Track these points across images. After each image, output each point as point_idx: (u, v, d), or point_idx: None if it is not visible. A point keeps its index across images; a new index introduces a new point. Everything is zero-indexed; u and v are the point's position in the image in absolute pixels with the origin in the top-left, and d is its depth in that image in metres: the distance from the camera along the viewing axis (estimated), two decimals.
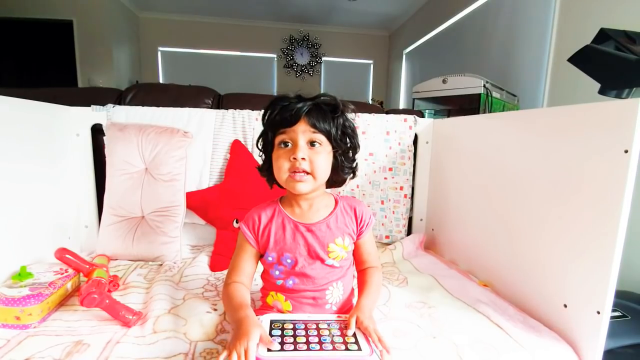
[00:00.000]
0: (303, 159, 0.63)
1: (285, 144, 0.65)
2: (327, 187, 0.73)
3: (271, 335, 0.58)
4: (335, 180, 0.72)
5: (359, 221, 0.73)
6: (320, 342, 0.57)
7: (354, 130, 0.71)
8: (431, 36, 3.87)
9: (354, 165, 0.73)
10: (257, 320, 0.59)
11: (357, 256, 0.76)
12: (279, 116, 0.64)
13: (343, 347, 0.56)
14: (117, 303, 0.76)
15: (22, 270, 0.83)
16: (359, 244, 0.75)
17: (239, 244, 0.73)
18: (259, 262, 0.74)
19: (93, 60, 3.91)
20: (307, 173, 0.64)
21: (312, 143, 0.65)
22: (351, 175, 0.73)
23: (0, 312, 0.71)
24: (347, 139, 0.70)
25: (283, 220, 0.70)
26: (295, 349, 0.55)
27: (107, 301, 0.74)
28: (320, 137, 0.65)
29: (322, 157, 0.66)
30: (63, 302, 0.83)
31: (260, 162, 0.74)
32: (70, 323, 0.75)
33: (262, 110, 0.69)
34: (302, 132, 0.64)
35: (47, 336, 0.69)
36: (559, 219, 0.80)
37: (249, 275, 0.72)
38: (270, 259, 0.70)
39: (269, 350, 0.54)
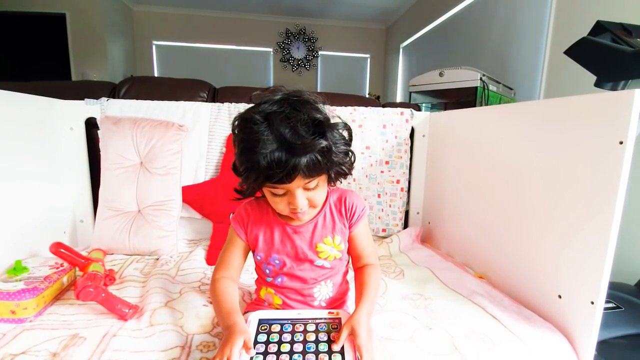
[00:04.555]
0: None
1: (278, 193, 0.59)
2: None
3: (256, 342, 0.58)
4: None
5: (349, 213, 0.69)
6: (304, 352, 0.56)
7: (346, 141, 0.62)
8: (428, 29, 3.85)
9: (351, 168, 0.65)
10: (243, 327, 0.58)
11: (351, 251, 0.72)
12: (266, 175, 0.53)
13: (327, 357, 0.54)
14: (113, 297, 0.76)
15: (17, 265, 0.83)
16: (351, 237, 0.70)
17: (230, 238, 0.71)
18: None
19: (87, 54, 3.86)
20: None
21: (307, 187, 0.59)
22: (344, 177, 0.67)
23: None
24: (340, 156, 0.61)
25: (271, 222, 0.68)
26: None
27: (103, 295, 0.74)
28: (316, 179, 0.58)
29: (320, 190, 0.61)
30: (59, 296, 0.83)
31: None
32: (67, 317, 0.75)
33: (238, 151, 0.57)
34: (297, 185, 0.57)
35: (43, 330, 0.69)
36: (554, 211, 0.80)
37: (237, 269, 0.71)
38: (259, 258, 0.69)
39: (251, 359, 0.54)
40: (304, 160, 0.52)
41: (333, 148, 0.57)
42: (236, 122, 0.58)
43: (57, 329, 0.70)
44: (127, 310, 0.75)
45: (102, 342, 0.66)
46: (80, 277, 0.80)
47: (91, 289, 0.73)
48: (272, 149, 0.52)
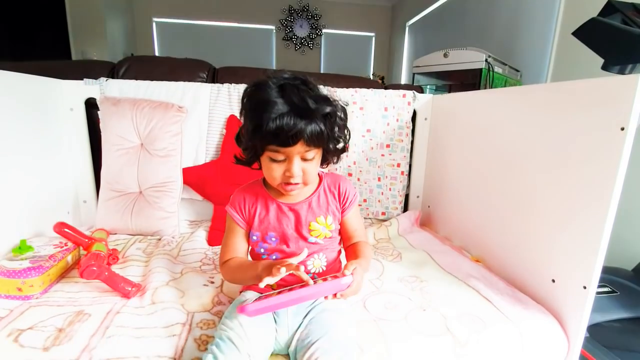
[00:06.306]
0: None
1: (277, 158, 0.62)
2: None
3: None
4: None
5: (342, 198, 0.73)
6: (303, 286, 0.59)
7: (344, 123, 0.67)
8: (435, 7, 3.74)
9: (343, 153, 0.70)
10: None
11: (343, 233, 0.75)
12: (273, 134, 0.57)
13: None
14: (117, 275, 0.78)
15: (22, 244, 0.85)
16: (344, 221, 0.74)
17: (228, 227, 0.73)
18: None
19: (86, 32, 3.79)
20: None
21: (305, 156, 0.62)
22: (335, 160, 0.71)
23: (2, 283, 0.73)
24: (338, 136, 0.66)
25: (267, 201, 0.71)
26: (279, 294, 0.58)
27: (107, 273, 0.76)
28: (314, 150, 0.63)
29: (314, 164, 0.65)
30: (64, 275, 0.85)
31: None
32: (72, 294, 0.77)
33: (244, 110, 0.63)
34: (297, 152, 0.61)
35: (49, 306, 0.72)
36: (552, 195, 0.80)
37: (243, 253, 0.73)
38: (254, 237, 0.71)
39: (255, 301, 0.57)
40: (309, 126, 0.58)
41: (336, 119, 0.63)
42: (249, 89, 0.62)
43: (63, 305, 0.73)
44: (130, 289, 0.77)
45: (106, 318, 0.68)
46: (83, 257, 0.82)
47: (94, 268, 0.75)
48: (282, 111, 0.57)
